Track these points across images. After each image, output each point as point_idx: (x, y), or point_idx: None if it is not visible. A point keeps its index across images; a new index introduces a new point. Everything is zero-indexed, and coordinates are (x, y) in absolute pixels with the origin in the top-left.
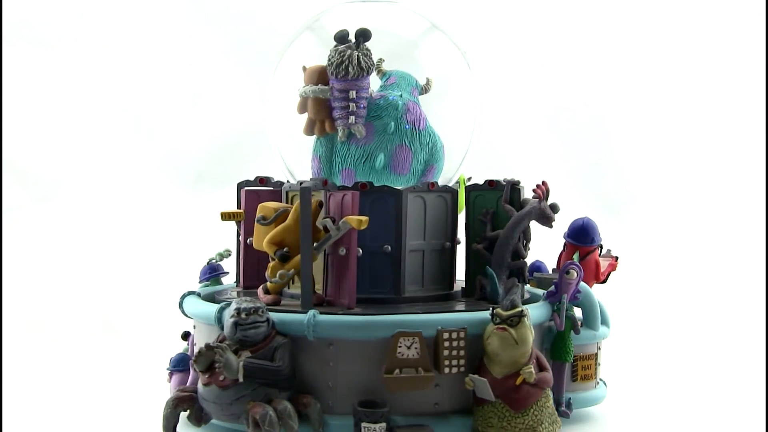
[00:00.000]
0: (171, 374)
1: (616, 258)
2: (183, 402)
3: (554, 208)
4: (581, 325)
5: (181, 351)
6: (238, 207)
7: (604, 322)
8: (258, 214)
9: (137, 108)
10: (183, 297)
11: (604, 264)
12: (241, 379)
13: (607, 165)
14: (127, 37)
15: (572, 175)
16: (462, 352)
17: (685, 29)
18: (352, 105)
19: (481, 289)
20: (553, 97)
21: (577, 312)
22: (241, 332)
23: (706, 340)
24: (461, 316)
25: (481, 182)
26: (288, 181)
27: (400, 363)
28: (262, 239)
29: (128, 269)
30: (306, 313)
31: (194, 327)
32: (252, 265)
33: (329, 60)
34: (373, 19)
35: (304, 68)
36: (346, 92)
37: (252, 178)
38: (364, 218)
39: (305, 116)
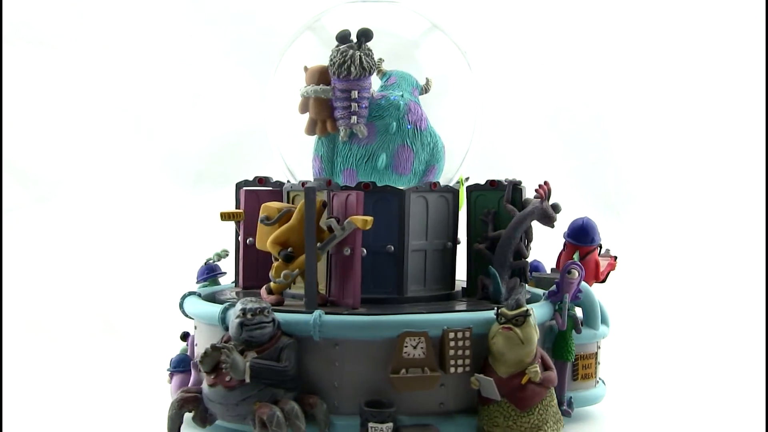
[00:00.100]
0: (171, 375)
1: (615, 257)
2: (188, 403)
3: (556, 208)
4: (581, 325)
5: (180, 351)
6: (237, 207)
7: (604, 321)
8: (261, 214)
9: (137, 108)
10: (183, 297)
11: (603, 263)
12: (247, 380)
13: (607, 165)
14: (127, 37)
15: (572, 175)
16: (467, 352)
17: (685, 29)
18: (354, 105)
19: (483, 289)
20: (553, 97)
21: (578, 311)
22: (246, 333)
23: (705, 339)
24: (467, 315)
25: (482, 182)
26: (288, 181)
27: (407, 363)
28: (266, 239)
29: (128, 269)
30: (312, 313)
31: (195, 328)
32: (251, 265)
33: (331, 60)
34: (374, 19)
35: (306, 68)
36: (348, 92)
37: (251, 178)
38: (369, 218)
39: (306, 116)
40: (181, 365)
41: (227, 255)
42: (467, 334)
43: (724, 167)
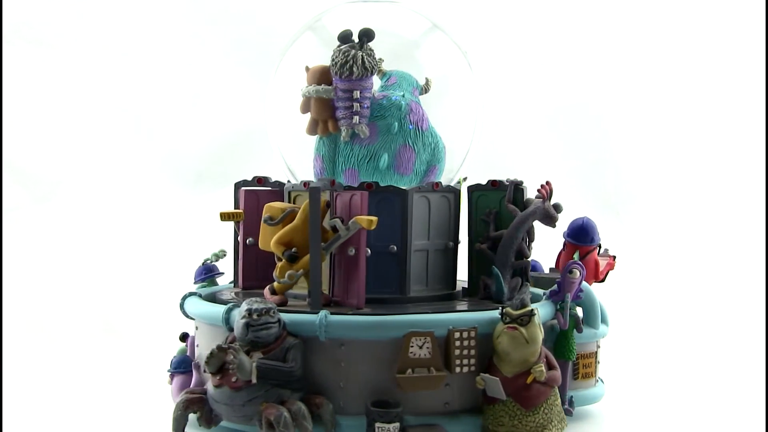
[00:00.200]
0: (172, 376)
1: (614, 257)
2: (193, 404)
3: (557, 208)
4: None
5: (178, 352)
6: (236, 207)
7: (603, 320)
8: (265, 214)
9: (137, 108)
10: (184, 298)
11: (602, 263)
12: (254, 381)
13: (607, 165)
14: (127, 37)
15: (572, 175)
16: (473, 352)
17: (685, 29)
18: (356, 105)
19: (485, 289)
20: (553, 97)
21: (578, 311)
22: (252, 333)
23: (704, 338)
24: (472, 315)
25: (483, 182)
26: (289, 181)
27: (413, 363)
28: (269, 239)
29: (128, 269)
30: (317, 313)
31: (196, 328)
32: (251, 265)
33: (333, 60)
34: (375, 19)
35: (307, 68)
36: (350, 92)
37: (250, 178)
38: (374, 218)
39: (307, 116)
40: (181, 366)
41: (225, 255)
42: (472, 333)
43: (724, 167)
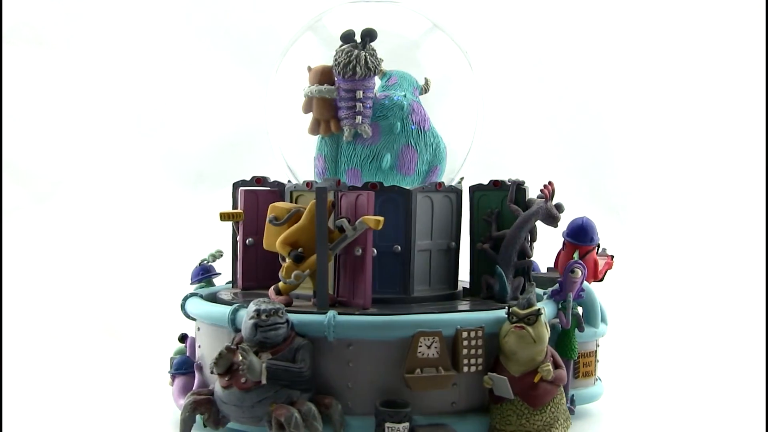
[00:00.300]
0: (173, 377)
1: (612, 257)
2: (200, 405)
3: (559, 208)
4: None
5: (175, 353)
6: (234, 207)
7: (603, 319)
8: (270, 215)
9: (137, 108)
10: (185, 299)
11: (600, 263)
12: (264, 382)
13: (607, 165)
14: (127, 37)
15: (572, 175)
16: (480, 351)
17: (685, 29)
18: (359, 105)
19: (488, 288)
20: (553, 97)
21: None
22: (261, 334)
23: (704, 338)
24: (479, 315)
25: (484, 182)
26: (289, 181)
27: (421, 362)
28: (274, 240)
29: (128, 269)
30: (325, 314)
31: (198, 329)
32: (251, 265)
33: (336, 60)
34: (375, 19)
35: (309, 68)
36: (353, 92)
37: (249, 178)
38: (381, 218)
39: (308, 116)
40: (183, 367)
41: (222, 256)
42: (480, 333)
43: (724, 167)
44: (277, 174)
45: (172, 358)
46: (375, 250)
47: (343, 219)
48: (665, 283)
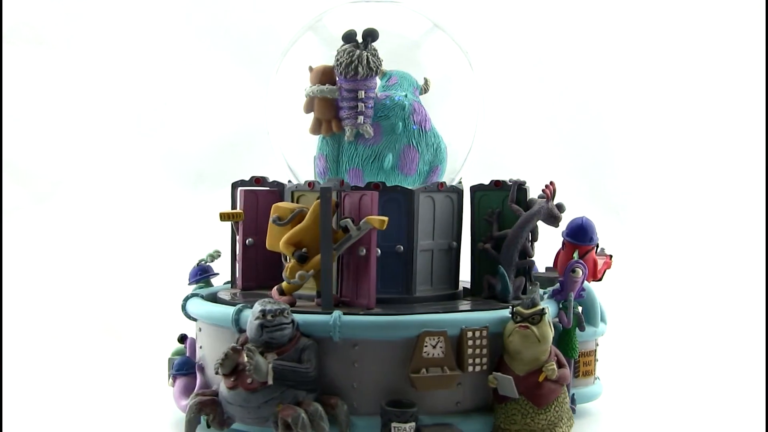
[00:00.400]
0: (174, 378)
1: (610, 256)
2: (206, 406)
3: (560, 207)
4: None
5: (172, 354)
6: (233, 207)
7: (602, 319)
8: (273, 215)
9: (137, 108)
10: (186, 299)
11: (599, 262)
12: (270, 382)
13: (607, 165)
14: (127, 37)
15: (572, 175)
16: (485, 351)
17: (685, 29)
18: (360, 105)
19: (489, 288)
20: (553, 97)
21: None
22: (267, 334)
23: (704, 338)
24: (484, 315)
25: (484, 182)
26: (290, 181)
27: (426, 362)
28: (277, 240)
29: (128, 269)
30: (330, 314)
31: (200, 330)
32: (250, 265)
33: (338, 60)
34: (376, 19)
35: (311, 68)
36: (355, 92)
37: (247, 178)
38: (386, 219)
39: (309, 116)
40: (184, 368)
41: (219, 256)
42: (484, 333)
43: (724, 167)
44: (276, 174)
45: (170, 359)
46: (379, 251)
47: (348, 219)
48: (665, 282)
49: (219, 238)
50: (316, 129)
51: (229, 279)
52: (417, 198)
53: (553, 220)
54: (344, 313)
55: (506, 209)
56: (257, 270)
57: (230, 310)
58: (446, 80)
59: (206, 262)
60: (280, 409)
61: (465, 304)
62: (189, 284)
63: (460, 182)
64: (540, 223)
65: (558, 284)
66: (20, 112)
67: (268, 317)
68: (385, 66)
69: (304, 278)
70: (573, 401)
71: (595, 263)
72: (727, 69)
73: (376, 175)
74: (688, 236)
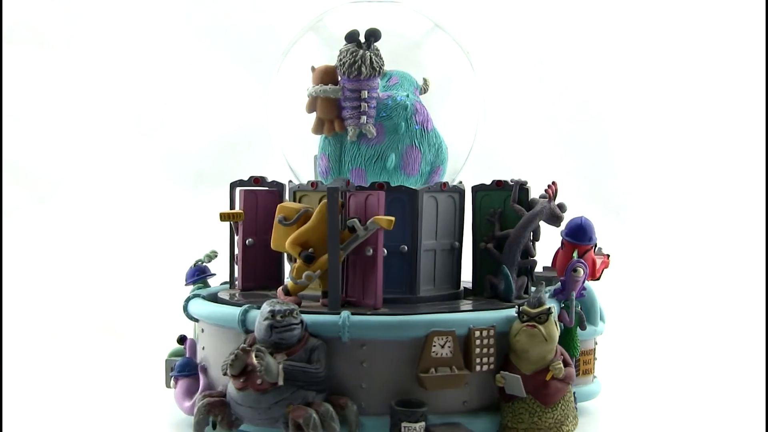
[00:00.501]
0: (176, 379)
1: (608, 255)
2: (215, 407)
3: (562, 207)
4: None
5: (169, 354)
6: (231, 207)
7: (601, 318)
8: (278, 215)
9: (137, 108)
10: (188, 300)
11: (597, 262)
12: (280, 383)
13: (607, 165)
14: (127, 37)
15: (572, 175)
16: (492, 350)
17: (685, 29)
18: (363, 105)
19: (492, 288)
20: (553, 98)
21: None
22: (277, 335)
23: (704, 337)
24: (491, 314)
25: (485, 182)
26: (290, 181)
27: (435, 362)
28: (283, 240)
29: (128, 269)
30: (338, 314)
31: (202, 331)
32: (251, 266)
33: (340, 60)
34: (376, 19)
35: (313, 68)
36: (358, 92)
37: (246, 178)
38: (393, 218)
39: (310, 116)
40: (186, 369)
41: (217, 256)
42: (491, 332)
43: (724, 167)
44: (276, 174)
45: (167, 361)
46: (385, 250)
47: (355, 219)
48: (665, 282)
49: (218, 238)
50: (318, 129)
51: (226, 279)
52: (421, 198)
53: (555, 220)
54: (352, 314)
55: (508, 209)
56: (257, 270)
57: (235, 311)
58: (447, 80)
59: (203, 263)
60: (290, 410)
61: (471, 304)
62: (186, 285)
63: (461, 182)
64: (541, 223)
65: (559, 284)
66: (20, 112)
67: (278, 318)
68: (386, 66)
69: (311, 278)
70: (574, 400)
71: (593, 262)
72: (727, 69)
73: (378, 175)
74: (688, 236)
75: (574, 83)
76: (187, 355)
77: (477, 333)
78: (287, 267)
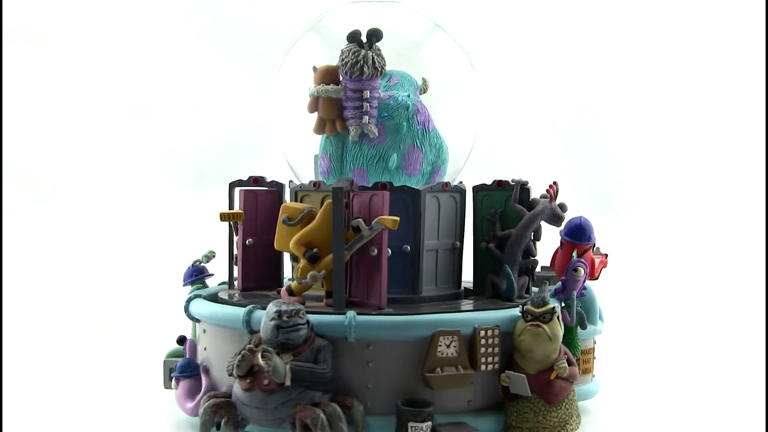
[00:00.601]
0: (178, 380)
1: (606, 255)
2: (221, 408)
3: (563, 207)
4: None
5: (167, 355)
6: (230, 207)
7: (600, 317)
8: (282, 215)
9: (137, 108)
10: (189, 300)
11: (596, 261)
12: (288, 383)
13: (607, 165)
14: (127, 37)
15: (572, 175)
16: (496, 350)
17: (685, 29)
18: (365, 105)
19: (493, 287)
20: (553, 98)
21: None
22: (283, 335)
23: (703, 337)
24: (496, 314)
25: (485, 182)
26: (291, 182)
27: (441, 361)
28: (286, 240)
29: (128, 269)
30: (344, 314)
31: (203, 331)
32: (250, 266)
33: (343, 60)
34: (377, 19)
35: (315, 68)
36: (360, 92)
37: (245, 178)
38: (397, 219)
39: (311, 115)
40: (187, 370)
41: (214, 256)
42: (496, 332)
43: (723, 167)
44: (276, 174)
45: (165, 362)
46: (390, 250)
47: (360, 219)
48: (664, 282)
49: (218, 239)
50: (320, 129)
51: (225, 280)
52: (424, 198)
53: (556, 219)
54: (357, 314)
55: (508, 209)
56: (257, 271)
57: (239, 312)
58: (447, 80)
59: (201, 263)
60: (297, 410)
61: (475, 304)
62: (184, 285)
63: (461, 182)
64: (542, 223)
65: (560, 283)
66: (20, 112)
67: (284, 318)
68: (387, 66)
69: (316, 279)
70: None
71: (592, 262)
72: (727, 69)
73: (380, 175)
74: (688, 236)
75: (574, 83)
76: (187, 356)
77: (482, 332)
78: (287, 267)
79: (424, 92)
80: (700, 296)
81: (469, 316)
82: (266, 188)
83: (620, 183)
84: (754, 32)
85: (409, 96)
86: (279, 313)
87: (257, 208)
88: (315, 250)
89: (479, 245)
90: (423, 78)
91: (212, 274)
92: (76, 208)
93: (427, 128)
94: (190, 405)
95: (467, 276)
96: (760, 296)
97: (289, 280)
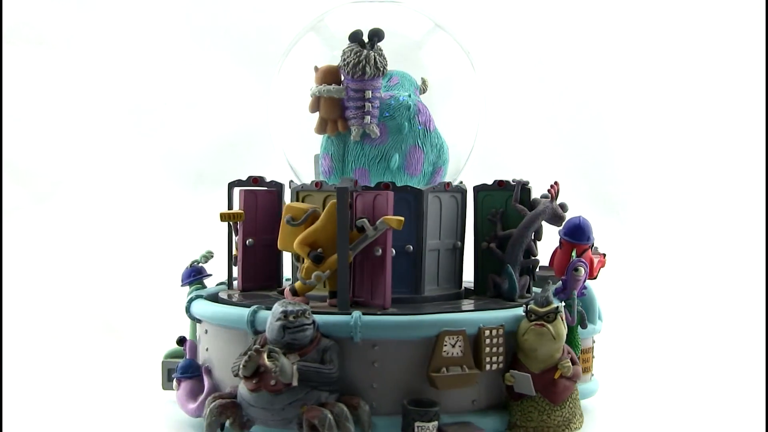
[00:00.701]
0: (179, 381)
1: (604, 254)
2: (227, 409)
3: (564, 207)
4: None
5: (165, 356)
6: (229, 207)
7: (599, 316)
8: (286, 215)
9: (137, 108)
10: (191, 300)
11: (594, 261)
12: (295, 384)
13: (607, 165)
14: (127, 37)
15: (572, 175)
16: (501, 349)
17: (685, 29)
18: (367, 105)
19: (494, 287)
20: (554, 98)
21: None
22: (289, 335)
23: (703, 337)
24: (500, 313)
25: (486, 182)
26: (292, 182)
27: (446, 361)
28: (290, 240)
29: (128, 269)
30: (350, 314)
31: (205, 331)
32: (250, 266)
33: (345, 60)
34: (377, 19)
35: (316, 68)
36: (362, 92)
37: (244, 178)
38: (402, 218)
39: (312, 115)
40: (189, 371)
41: (213, 256)
42: (500, 331)
43: (723, 167)
44: (276, 174)
45: (164, 362)
46: (394, 250)
47: (364, 219)
48: (663, 281)
49: (218, 239)
50: (321, 128)
51: (224, 280)
52: (426, 198)
53: (557, 219)
54: (362, 314)
55: (509, 209)
56: (257, 271)
57: (243, 312)
58: (448, 80)
59: (200, 263)
60: (304, 410)
61: (477, 304)
62: (182, 285)
63: (462, 182)
64: (542, 223)
65: (560, 283)
66: (20, 112)
67: (290, 318)
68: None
69: (321, 279)
70: None
71: (591, 262)
72: (727, 69)
73: (382, 175)
74: (687, 236)
75: (574, 83)
76: (188, 357)
77: (487, 332)
78: (287, 267)
79: (424, 92)
80: (700, 296)
81: (473, 315)
82: (266, 188)
83: (620, 183)
84: (754, 32)
85: (410, 96)
86: (285, 314)
87: (257, 208)
88: (319, 250)
89: (480, 245)
90: (422, 78)
91: (211, 275)
92: (76, 208)
93: (428, 128)
94: (192, 406)
95: (467, 276)
96: (760, 296)
97: (289, 280)
